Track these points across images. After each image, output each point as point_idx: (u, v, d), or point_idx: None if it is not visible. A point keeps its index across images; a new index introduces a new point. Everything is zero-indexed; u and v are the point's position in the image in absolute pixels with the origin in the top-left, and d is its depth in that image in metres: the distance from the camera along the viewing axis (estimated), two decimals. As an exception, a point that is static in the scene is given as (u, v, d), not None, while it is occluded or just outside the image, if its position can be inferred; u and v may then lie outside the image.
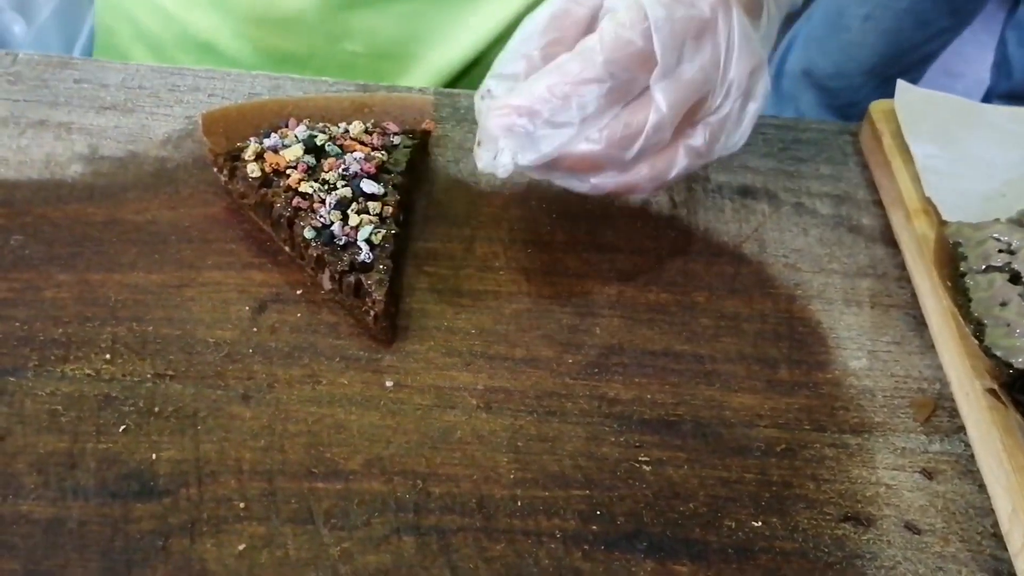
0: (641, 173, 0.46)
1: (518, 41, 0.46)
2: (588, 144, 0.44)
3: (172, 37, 0.72)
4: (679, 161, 0.46)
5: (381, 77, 0.70)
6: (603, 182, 0.46)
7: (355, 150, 0.51)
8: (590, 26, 0.46)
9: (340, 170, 0.50)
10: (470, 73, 0.71)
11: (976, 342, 0.46)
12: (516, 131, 0.43)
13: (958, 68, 2.39)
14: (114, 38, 0.76)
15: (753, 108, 0.47)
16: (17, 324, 0.45)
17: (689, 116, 0.45)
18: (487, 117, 0.44)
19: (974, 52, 2.45)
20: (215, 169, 0.52)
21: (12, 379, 0.44)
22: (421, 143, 0.54)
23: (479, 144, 0.45)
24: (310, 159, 0.50)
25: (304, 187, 0.49)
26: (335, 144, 0.51)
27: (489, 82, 0.46)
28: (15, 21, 1.35)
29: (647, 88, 0.44)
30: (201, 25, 0.70)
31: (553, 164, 0.45)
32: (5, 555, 0.38)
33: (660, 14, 0.43)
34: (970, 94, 2.27)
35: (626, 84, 0.43)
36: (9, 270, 0.47)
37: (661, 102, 0.43)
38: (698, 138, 0.46)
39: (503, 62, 0.46)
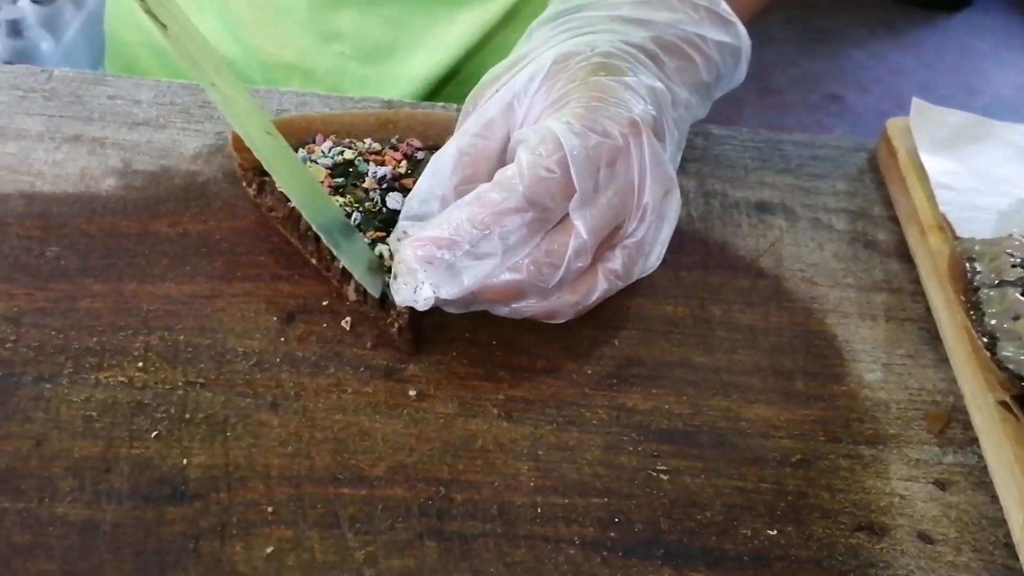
0: (563, 299, 0.46)
1: (429, 180, 0.46)
2: (510, 274, 0.43)
3: None
4: (599, 285, 0.46)
5: (366, 83, 0.72)
6: (524, 307, 0.46)
7: (383, 164, 0.52)
8: (500, 159, 0.46)
9: (379, 184, 0.51)
10: (449, 84, 0.73)
11: (989, 355, 0.46)
12: (436, 264, 0.43)
13: (977, 84, 2.39)
14: (122, 45, 0.79)
15: (667, 230, 0.47)
16: (53, 333, 0.47)
17: (607, 240, 0.46)
18: (404, 250, 0.43)
19: (993, 69, 2.46)
20: (244, 183, 0.53)
21: (48, 386, 0.45)
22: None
23: (395, 277, 0.44)
24: (340, 181, 0.51)
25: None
26: (363, 159, 0.52)
27: (403, 224, 0.46)
28: (43, 38, 1.38)
29: (565, 216, 0.44)
30: (202, 30, 0.72)
31: (475, 295, 0.44)
32: (42, 556, 0.39)
33: (575, 143, 0.43)
34: (988, 110, 2.26)
35: (546, 213, 0.43)
36: (46, 281, 0.49)
37: (581, 229, 0.43)
38: (616, 262, 0.46)
39: (416, 202, 0.46)
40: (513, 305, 0.46)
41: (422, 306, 0.44)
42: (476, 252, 0.43)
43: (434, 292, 0.43)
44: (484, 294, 0.44)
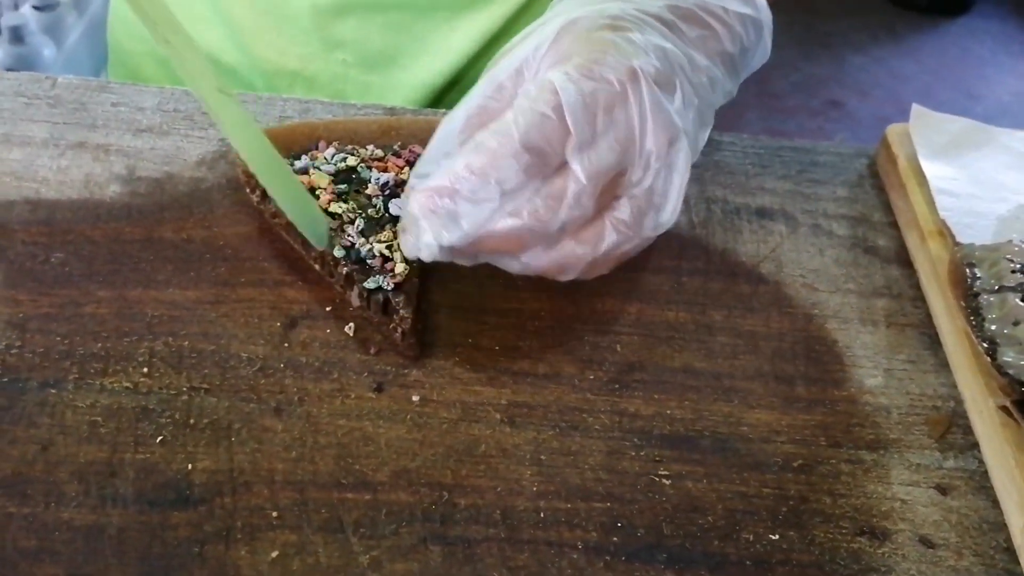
0: (569, 248, 0.46)
1: (438, 141, 0.47)
2: (511, 219, 0.44)
3: None
4: (607, 235, 0.46)
5: (369, 91, 0.72)
6: (533, 260, 0.46)
7: (386, 171, 0.53)
8: None
9: (382, 191, 0.51)
10: (452, 91, 0.73)
11: (989, 360, 0.47)
12: (438, 212, 0.44)
13: (978, 90, 2.40)
14: (125, 54, 0.79)
15: (678, 180, 0.47)
16: (58, 338, 0.47)
17: (612, 190, 0.46)
18: (410, 202, 0.45)
19: (994, 74, 2.46)
20: (248, 190, 0.54)
21: (54, 391, 0.45)
22: (447, 165, 0.56)
23: (403, 230, 0.45)
24: (342, 187, 0.52)
25: (334, 207, 0.51)
26: (366, 166, 0.53)
27: (412, 181, 0.47)
28: (45, 45, 1.39)
29: (564, 162, 0.44)
30: (205, 38, 0.73)
31: (478, 244, 0.45)
32: (48, 560, 0.40)
33: (570, 88, 0.43)
34: (989, 115, 2.27)
35: (543, 158, 0.43)
36: (51, 286, 0.49)
37: (579, 172, 0.44)
38: (623, 211, 0.46)
39: (425, 163, 0.47)
40: (523, 259, 0.46)
41: (426, 256, 0.45)
42: (474, 198, 0.43)
43: (436, 239, 0.44)
44: (487, 242, 0.45)
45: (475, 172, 0.43)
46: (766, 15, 0.55)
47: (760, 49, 0.55)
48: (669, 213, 0.47)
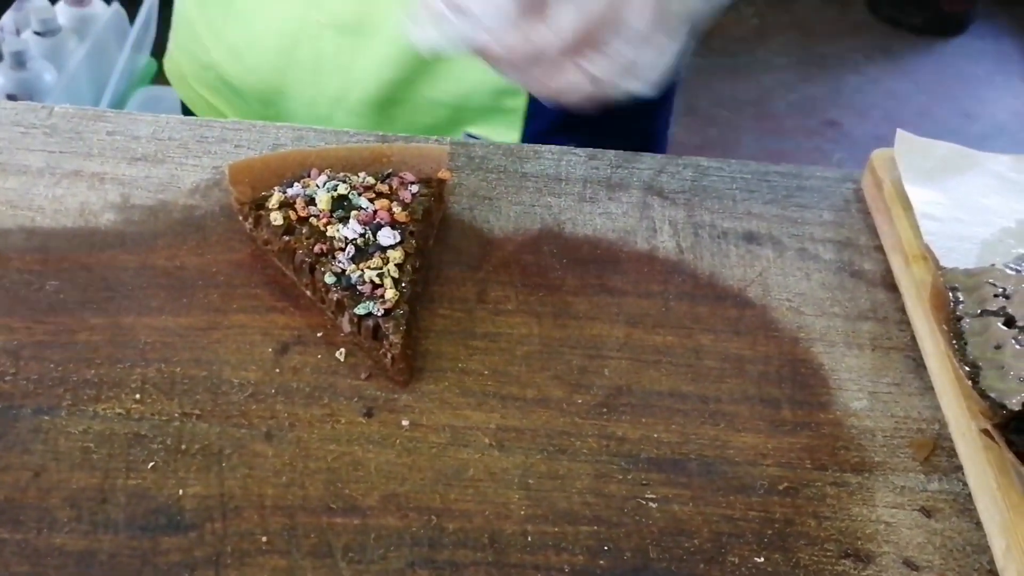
0: (540, 80, 0.50)
1: None
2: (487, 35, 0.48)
3: None
4: (571, 79, 0.49)
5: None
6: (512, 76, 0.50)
7: (375, 199, 0.53)
8: None
9: (367, 223, 0.52)
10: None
11: (971, 384, 0.47)
12: (442, 18, 0.48)
13: (974, 110, 2.40)
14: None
15: (654, 59, 0.50)
16: (52, 365, 0.48)
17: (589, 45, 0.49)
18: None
19: (990, 94, 2.47)
20: (240, 217, 0.54)
21: (47, 418, 0.46)
22: (437, 191, 0.57)
23: (414, 22, 0.50)
24: (340, 213, 0.52)
25: (330, 231, 0.51)
26: (357, 193, 0.53)
27: None
28: (46, 69, 1.40)
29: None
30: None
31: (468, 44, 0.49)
32: (39, 586, 0.40)
33: None
34: (986, 136, 2.28)
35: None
36: (45, 314, 0.50)
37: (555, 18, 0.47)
38: (595, 66, 0.49)
39: None
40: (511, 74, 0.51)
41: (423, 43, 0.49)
42: (470, 13, 0.48)
43: (431, 37, 0.49)
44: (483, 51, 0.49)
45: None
46: None
47: None
48: (643, 83, 0.50)
